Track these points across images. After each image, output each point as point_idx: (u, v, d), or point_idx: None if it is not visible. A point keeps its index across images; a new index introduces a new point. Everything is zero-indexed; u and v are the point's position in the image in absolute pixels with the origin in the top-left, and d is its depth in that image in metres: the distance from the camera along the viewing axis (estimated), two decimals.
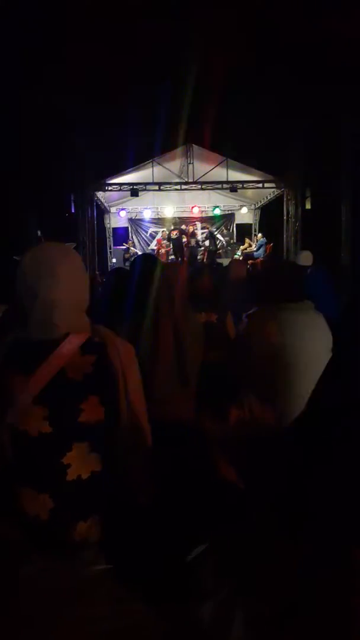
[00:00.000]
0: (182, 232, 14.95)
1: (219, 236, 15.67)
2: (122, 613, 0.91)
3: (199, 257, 14.74)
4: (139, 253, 14.15)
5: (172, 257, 14.36)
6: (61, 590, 0.98)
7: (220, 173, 13.93)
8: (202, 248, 15.50)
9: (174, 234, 14.72)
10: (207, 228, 15.83)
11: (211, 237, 15.23)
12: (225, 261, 12.49)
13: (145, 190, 14.23)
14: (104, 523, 1.20)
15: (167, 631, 0.88)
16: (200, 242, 15.51)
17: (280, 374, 1.96)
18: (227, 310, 2.92)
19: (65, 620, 0.94)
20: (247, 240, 15.46)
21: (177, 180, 14.15)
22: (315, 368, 1.98)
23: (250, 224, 17.02)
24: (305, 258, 5.05)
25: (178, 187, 14.21)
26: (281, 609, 0.82)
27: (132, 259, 13.71)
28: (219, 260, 13.06)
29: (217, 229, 16.32)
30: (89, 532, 1.18)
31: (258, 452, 1.34)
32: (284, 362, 1.94)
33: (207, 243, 15.54)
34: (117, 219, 16.36)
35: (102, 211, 15.73)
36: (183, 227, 15.35)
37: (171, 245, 14.83)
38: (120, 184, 13.92)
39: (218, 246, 15.38)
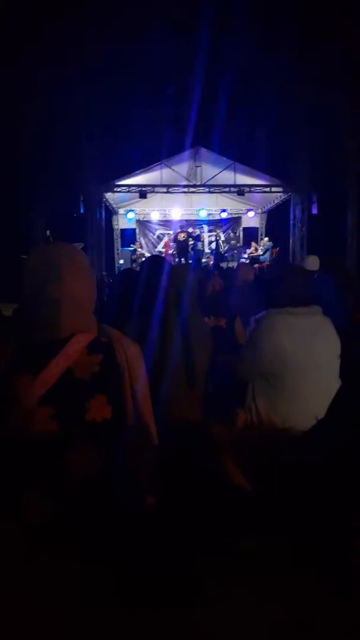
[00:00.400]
0: (189, 235, 14.97)
1: (221, 242, 15.59)
2: (125, 615, 0.91)
3: (204, 260, 14.73)
4: (146, 254, 14.16)
5: (178, 259, 14.37)
6: (64, 591, 0.98)
7: (228, 176, 13.95)
8: (209, 252, 15.50)
9: (182, 237, 14.74)
10: (215, 232, 15.83)
11: (216, 242, 15.25)
12: (231, 265, 12.49)
13: (153, 192, 14.26)
14: (110, 524, 1.20)
15: (169, 633, 0.88)
16: (207, 246, 15.52)
17: (288, 378, 1.95)
18: (236, 316, 2.90)
19: (67, 622, 0.93)
20: (253, 244, 15.45)
21: (185, 182, 14.17)
22: (323, 372, 1.98)
23: (257, 228, 17.02)
24: (312, 263, 5.03)
25: (186, 189, 14.23)
26: (285, 613, 0.82)
27: (140, 260, 13.70)
28: (224, 264, 13.06)
29: (224, 232, 16.32)
30: (95, 532, 1.18)
31: (265, 455, 1.34)
32: (291, 366, 1.94)
33: (213, 246, 15.54)
34: (125, 220, 16.40)
35: (110, 212, 15.77)
36: (190, 229, 15.37)
37: (176, 247, 14.85)
38: (129, 186, 13.96)
39: (224, 250, 15.37)
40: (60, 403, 1.19)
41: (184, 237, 14.71)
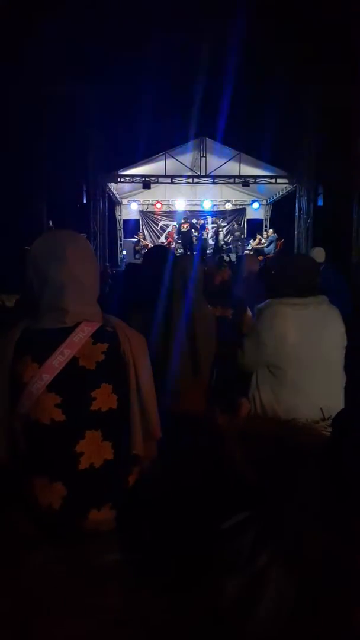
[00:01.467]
0: (192, 226, 14.88)
1: (221, 234, 15.46)
2: (132, 603, 0.91)
3: (208, 251, 14.67)
4: (150, 245, 14.11)
5: (181, 250, 14.30)
6: (71, 579, 0.98)
7: (233, 167, 13.85)
8: (212, 242, 15.43)
9: (185, 227, 14.67)
10: (217, 223, 15.73)
11: (216, 233, 15.16)
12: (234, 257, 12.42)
13: (157, 182, 14.18)
14: (117, 512, 1.20)
15: (177, 622, 0.87)
16: (210, 236, 15.46)
17: (291, 369, 1.94)
18: (246, 308, 2.85)
19: (74, 609, 0.93)
20: (257, 235, 15.37)
21: (190, 173, 14.08)
22: (328, 363, 1.97)
23: (262, 220, 16.92)
24: (318, 254, 5.01)
25: (190, 180, 14.14)
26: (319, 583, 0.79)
27: (143, 251, 13.60)
28: (225, 256, 12.99)
29: (228, 223, 16.23)
30: (102, 521, 1.18)
31: (270, 445, 1.33)
32: (295, 357, 1.92)
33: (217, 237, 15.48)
34: (128, 211, 16.33)
35: (114, 203, 15.70)
36: (194, 220, 15.28)
37: (180, 238, 14.79)
38: (133, 176, 13.89)
39: (228, 241, 15.29)
40: (66, 392, 1.19)
41: (187, 227, 14.64)
